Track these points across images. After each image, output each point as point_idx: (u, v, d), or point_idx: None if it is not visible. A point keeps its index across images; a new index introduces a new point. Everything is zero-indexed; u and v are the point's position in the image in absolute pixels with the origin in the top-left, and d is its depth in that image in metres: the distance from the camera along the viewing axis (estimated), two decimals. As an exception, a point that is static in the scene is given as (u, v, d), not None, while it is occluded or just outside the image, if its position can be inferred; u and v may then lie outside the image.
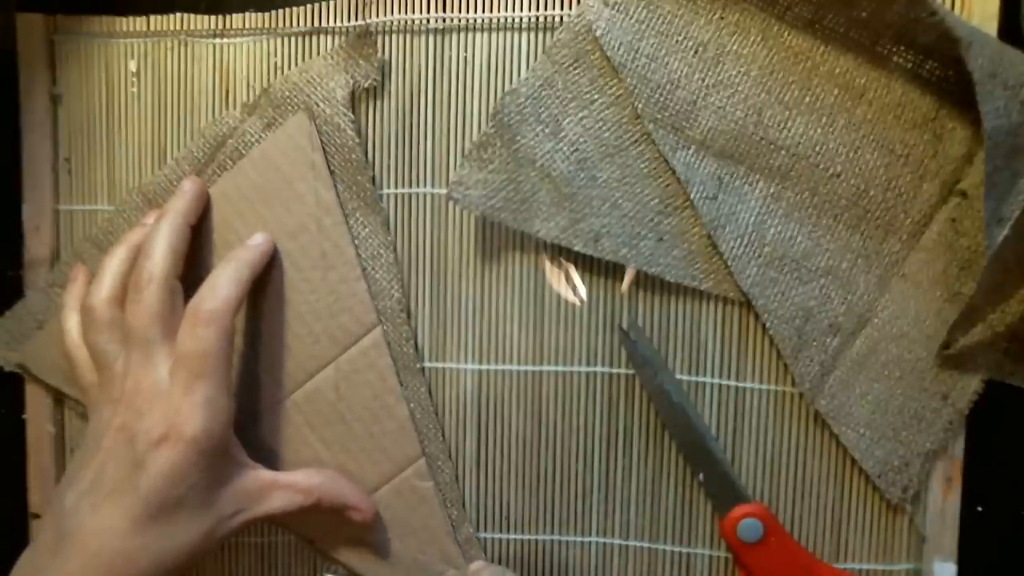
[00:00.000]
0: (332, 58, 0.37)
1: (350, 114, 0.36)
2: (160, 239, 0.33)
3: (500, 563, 0.38)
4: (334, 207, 0.37)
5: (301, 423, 0.37)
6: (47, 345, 0.38)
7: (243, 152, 0.37)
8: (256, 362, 0.37)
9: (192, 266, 0.36)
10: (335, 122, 0.36)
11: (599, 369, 0.37)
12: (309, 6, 0.38)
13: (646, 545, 0.37)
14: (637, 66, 0.35)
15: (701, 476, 0.36)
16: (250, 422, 0.37)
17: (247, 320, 0.37)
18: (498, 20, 0.37)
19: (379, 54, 0.37)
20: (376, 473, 0.37)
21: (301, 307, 0.37)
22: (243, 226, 0.37)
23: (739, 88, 0.35)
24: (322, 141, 0.37)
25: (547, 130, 0.36)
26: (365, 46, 0.36)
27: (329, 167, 0.37)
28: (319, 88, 0.37)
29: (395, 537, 0.37)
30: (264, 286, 0.37)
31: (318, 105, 0.37)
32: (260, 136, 0.37)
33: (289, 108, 0.37)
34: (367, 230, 0.37)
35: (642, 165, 0.36)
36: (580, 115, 0.36)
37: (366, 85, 0.37)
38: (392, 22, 0.37)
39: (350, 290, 0.37)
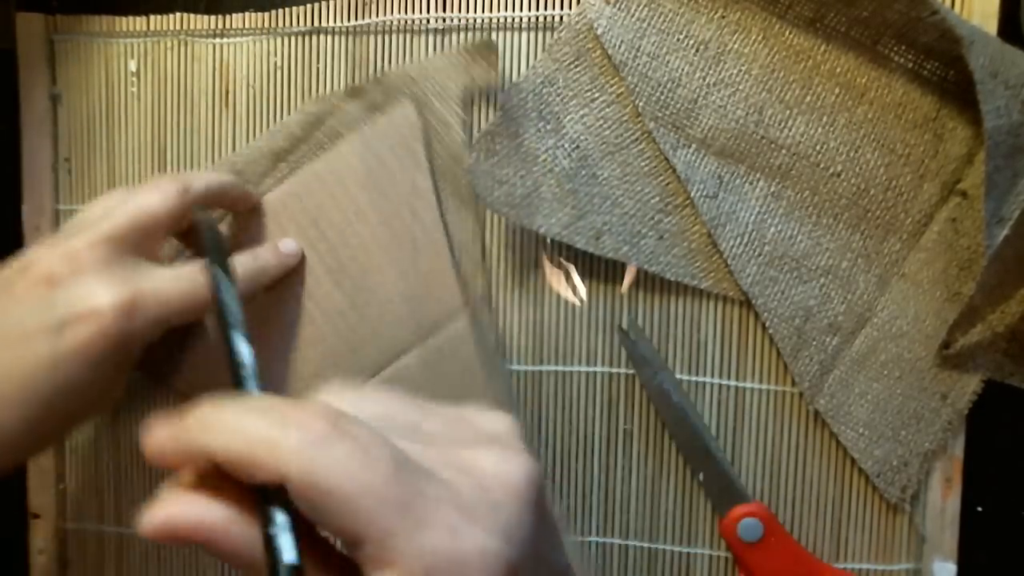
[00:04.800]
0: (454, 57, 0.37)
1: (461, 113, 0.37)
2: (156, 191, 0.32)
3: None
4: (430, 196, 0.37)
5: None
6: None
7: (342, 133, 0.37)
8: (341, 342, 0.37)
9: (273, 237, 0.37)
10: (445, 119, 0.37)
11: (599, 369, 0.37)
12: (309, 6, 0.38)
13: (646, 545, 0.37)
14: (638, 64, 0.35)
15: (701, 476, 0.36)
16: None
17: (333, 300, 0.37)
18: (498, 20, 0.37)
19: (498, 63, 0.37)
20: None
21: (389, 293, 0.37)
22: (334, 207, 0.37)
23: (740, 87, 0.35)
24: (428, 135, 0.37)
25: (549, 127, 0.36)
26: (490, 51, 0.36)
27: (431, 160, 0.37)
28: (435, 83, 0.37)
29: None
30: (353, 267, 0.37)
31: (431, 100, 0.37)
32: (363, 120, 0.37)
33: (399, 97, 0.37)
34: (459, 223, 0.37)
35: (643, 163, 0.36)
36: (581, 113, 0.36)
37: (483, 87, 0.37)
38: (392, 22, 0.37)
39: (439, 279, 0.37)
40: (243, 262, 0.34)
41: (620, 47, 0.35)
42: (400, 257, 0.37)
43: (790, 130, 0.35)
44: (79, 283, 0.29)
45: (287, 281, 0.37)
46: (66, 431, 0.30)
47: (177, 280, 0.31)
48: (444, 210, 0.37)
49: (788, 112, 0.35)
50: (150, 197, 0.32)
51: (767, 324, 0.35)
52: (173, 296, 0.30)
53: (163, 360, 0.37)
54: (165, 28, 0.39)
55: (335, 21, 0.38)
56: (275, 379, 0.37)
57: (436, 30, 0.37)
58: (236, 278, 0.28)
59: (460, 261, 0.37)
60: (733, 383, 0.37)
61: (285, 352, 0.37)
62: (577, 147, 0.36)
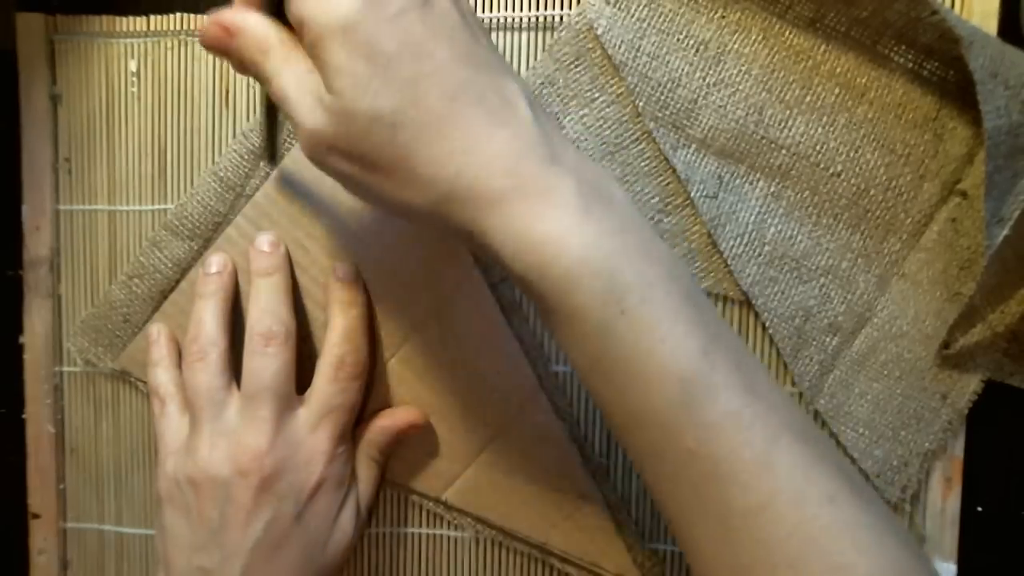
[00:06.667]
0: None
1: None
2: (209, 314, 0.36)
3: (500, 561, 0.38)
4: None
5: (412, 378, 0.37)
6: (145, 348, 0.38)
7: None
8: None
9: (298, 226, 0.37)
10: None
11: (599, 369, 0.37)
12: (309, 6, 0.38)
13: (646, 545, 0.37)
14: (638, 64, 0.35)
15: (701, 476, 0.36)
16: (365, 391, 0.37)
17: None
18: (498, 20, 0.37)
19: None
20: (497, 415, 0.36)
21: (396, 263, 0.36)
22: (323, 191, 0.36)
23: (740, 87, 0.35)
24: None
25: (547, 129, 0.35)
26: None
27: None
28: None
29: (528, 481, 0.37)
30: (355, 245, 0.37)
31: None
32: None
33: None
34: None
35: (643, 163, 0.36)
36: (581, 113, 0.36)
37: None
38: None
39: (444, 245, 0.36)
40: (354, 317, 0.36)
41: (620, 47, 0.35)
42: (400, 226, 0.36)
43: (790, 130, 0.35)
44: (291, 470, 0.33)
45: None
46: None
47: (331, 391, 0.35)
48: None
49: (788, 112, 0.35)
50: (272, 363, 0.34)
51: (767, 324, 0.35)
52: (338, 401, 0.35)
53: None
54: (165, 28, 0.39)
55: (335, 21, 0.37)
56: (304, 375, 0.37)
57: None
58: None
59: None
60: (733, 383, 0.37)
61: (312, 340, 0.37)
62: (577, 147, 0.36)
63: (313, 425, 0.34)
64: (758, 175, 0.35)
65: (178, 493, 0.34)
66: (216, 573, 0.32)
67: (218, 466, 0.33)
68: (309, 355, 0.37)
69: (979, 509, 0.36)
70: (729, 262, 0.35)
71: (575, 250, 0.24)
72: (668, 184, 0.36)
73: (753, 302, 0.35)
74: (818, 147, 0.35)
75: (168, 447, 0.35)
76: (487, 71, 0.25)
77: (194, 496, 0.33)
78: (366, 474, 0.36)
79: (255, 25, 0.27)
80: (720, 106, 0.35)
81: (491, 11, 0.37)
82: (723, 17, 0.35)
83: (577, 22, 0.35)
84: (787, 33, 0.35)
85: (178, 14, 0.38)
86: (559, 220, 0.24)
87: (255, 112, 0.38)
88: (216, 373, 0.34)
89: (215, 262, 0.36)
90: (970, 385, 0.35)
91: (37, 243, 0.39)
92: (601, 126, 0.36)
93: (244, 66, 0.28)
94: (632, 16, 0.35)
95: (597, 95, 0.36)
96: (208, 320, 0.35)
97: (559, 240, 0.24)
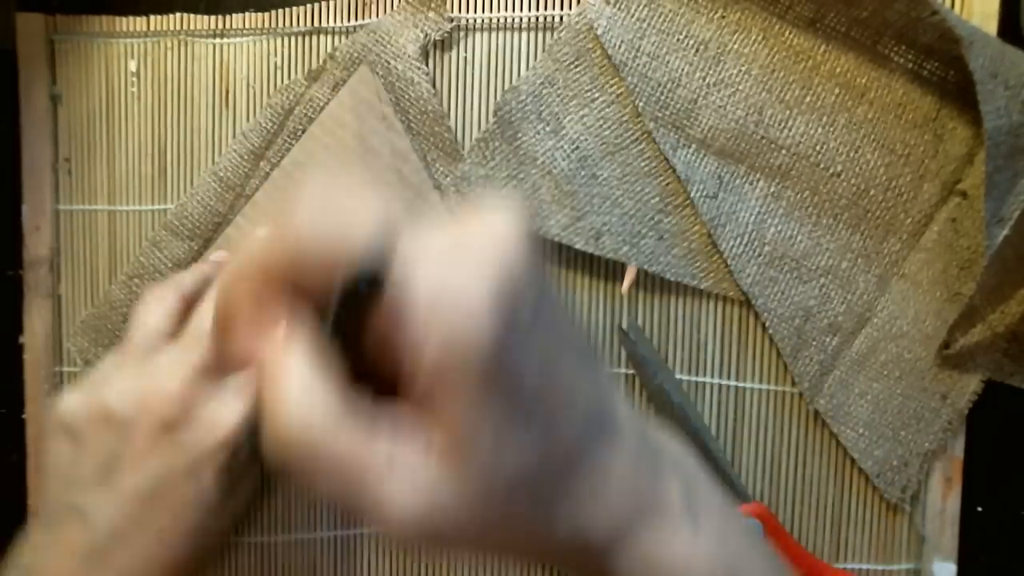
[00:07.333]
0: (400, 15, 0.37)
1: (423, 67, 0.36)
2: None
3: (500, 561, 0.38)
4: (411, 155, 0.36)
5: None
6: None
7: (313, 118, 0.37)
8: None
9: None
10: (408, 76, 0.36)
11: (599, 369, 0.37)
12: (309, 6, 0.38)
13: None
14: (638, 64, 0.35)
15: (701, 476, 0.36)
16: None
17: None
18: (498, 20, 0.37)
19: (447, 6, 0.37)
20: None
21: None
22: None
23: (740, 87, 0.35)
24: (396, 96, 0.37)
25: (548, 128, 0.36)
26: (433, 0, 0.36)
27: (408, 121, 0.37)
28: (389, 46, 0.37)
29: None
30: None
31: (389, 62, 0.37)
32: (328, 99, 0.37)
33: (358, 67, 0.37)
34: (449, 178, 0.37)
35: (643, 163, 0.36)
36: (581, 113, 0.36)
37: (437, 37, 0.37)
38: (392, 22, 0.37)
39: None
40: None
41: (620, 47, 0.35)
42: None
43: (790, 130, 0.35)
44: (198, 422, 0.30)
45: None
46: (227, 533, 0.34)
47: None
48: (431, 167, 0.37)
49: (788, 112, 0.35)
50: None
51: (767, 324, 0.35)
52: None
53: None
54: (165, 28, 0.39)
55: (335, 21, 0.38)
56: None
57: (436, 30, 0.37)
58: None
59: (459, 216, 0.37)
60: (733, 383, 0.37)
61: None
62: (577, 147, 0.36)
63: (237, 389, 0.31)
64: (758, 175, 0.35)
65: (74, 425, 0.31)
66: (90, 515, 0.30)
67: (125, 401, 0.30)
68: None
69: (979, 509, 0.36)
70: (729, 262, 0.35)
71: (702, 565, 0.22)
72: (668, 184, 0.36)
73: (753, 302, 0.35)
74: (818, 147, 0.35)
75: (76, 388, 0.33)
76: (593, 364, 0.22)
77: (91, 429, 0.31)
78: None
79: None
80: (720, 106, 0.35)
81: (491, 11, 0.37)
82: (723, 17, 0.35)
83: (577, 22, 0.35)
84: (787, 33, 0.35)
85: (178, 14, 0.38)
86: (681, 540, 0.22)
87: (255, 113, 0.38)
88: (165, 316, 0.32)
89: (217, 255, 0.37)
90: (970, 385, 0.35)
91: (37, 243, 0.39)
92: (601, 126, 0.36)
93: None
94: (632, 16, 0.35)
95: (597, 95, 0.36)
96: (188, 276, 0.34)
97: (686, 561, 0.22)
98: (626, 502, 0.21)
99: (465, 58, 0.37)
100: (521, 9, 0.37)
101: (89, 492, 0.30)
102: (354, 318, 0.18)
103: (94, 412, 0.31)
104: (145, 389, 0.31)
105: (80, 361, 0.40)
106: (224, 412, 0.30)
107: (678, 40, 0.35)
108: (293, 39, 0.38)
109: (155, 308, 0.33)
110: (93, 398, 0.31)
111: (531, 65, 0.36)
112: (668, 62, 0.35)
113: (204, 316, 0.32)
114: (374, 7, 0.37)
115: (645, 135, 0.36)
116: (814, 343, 0.35)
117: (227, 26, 0.38)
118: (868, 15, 0.33)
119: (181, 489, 0.30)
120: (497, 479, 0.18)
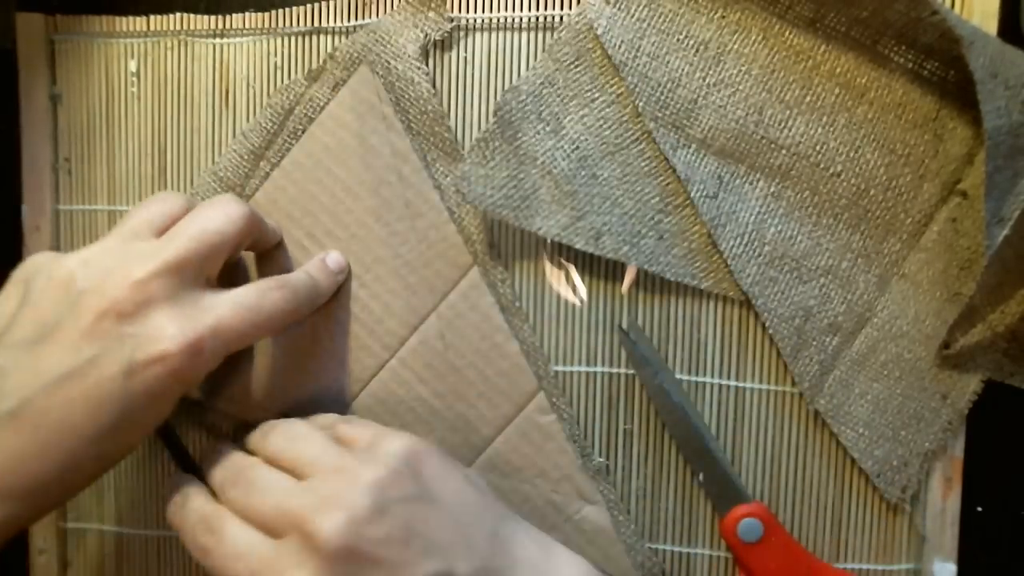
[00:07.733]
0: (400, 15, 0.37)
1: (423, 67, 0.36)
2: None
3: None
4: (411, 155, 0.36)
5: (412, 379, 0.37)
6: None
7: (313, 118, 0.37)
8: (358, 325, 0.37)
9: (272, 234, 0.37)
10: (408, 76, 0.36)
11: (599, 369, 0.37)
12: (309, 6, 0.38)
13: (646, 545, 0.37)
14: (638, 64, 0.35)
15: (701, 476, 0.36)
16: (361, 389, 0.37)
17: (344, 287, 0.37)
18: (498, 20, 0.37)
19: (447, 6, 0.37)
20: (496, 416, 0.37)
21: (394, 262, 0.37)
22: (321, 191, 0.37)
23: (740, 87, 0.35)
24: (397, 96, 0.37)
25: (548, 128, 0.36)
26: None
27: (408, 121, 0.37)
28: (389, 46, 0.37)
29: (526, 481, 0.37)
30: (354, 246, 0.37)
31: (389, 62, 0.37)
32: (328, 99, 0.37)
33: (358, 67, 0.37)
34: (449, 179, 0.37)
35: (643, 163, 0.36)
36: (581, 113, 0.36)
37: (437, 37, 0.36)
38: (392, 22, 0.37)
39: (440, 235, 0.36)
40: (301, 280, 0.34)
41: (620, 47, 0.35)
42: (397, 225, 0.37)
43: (790, 130, 0.35)
44: (148, 321, 0.29)
45: None
46: (119, 457, 0.31)
47: (237, 308, 0.31)
48: (431, 167, 0.37)
49: (788, 112, 0.35)
50: (215, 219, 0.32)
51: (767, 324, 0.35)
52: (235, 327, 0.31)
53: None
54: (165, 28, 0.39)
55: (335, 21, 0.38)
56: (304, 375, 0.37)
57: (436, 30, 0.37)
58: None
59: (459, 217, 0.37)
60: (733, 383, 0.37)
61: (307, 345, 0.37)
62: (577, 147, 0.36)
63: (206, 308, 0.30)
64: (758, 175, 0.35)
65: (31, 281, 0.30)
66: (6, 376, 0.28)
67: (89, 274, 0.29)
68: (324, 346, 0.37)
69: (979, 509, 0.36)
70: (729, 262, 0.35)
71: None
72: (668, 184, 0.36)
73: (753, 302, 0.35)
74: (818, 147, 0.35)
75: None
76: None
77: (46, 288, 0.30)
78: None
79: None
80: (720, 106, 0.35)
81: (491, 11, 0.37)
82: (723, 17, 0.35)
83: (577, 22, 0.35)
84: (787, 33, 0.35)
85: (178, 14, 0.38)
86: None
87: (255, 113, 0.38)
88: (162, 214, 0.32)
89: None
90: (970, 385, 0.35)
91: (37, 243, 0.39)
92: (601, 126, 0.36)
93: None
94: (632, 16, 0.35)
95: (597, 95, 0.36)
96: (196, 199, 0.35)
97: None
98: None
99: (465, 58, 0.37)
100: (521, 9, 0.37)
101: (11, 351, 0.29)
102: None
103: (56, 274, 0.30)
104: (112, 268, 0.30)
105: None
106: (170, 329, 0.29)
107: (678, 40, 0.35)
108: (293, 39, 0.38)
109: (156, 203, 0.32)
110: (61, 261, 0.30)
111: (531, 65, 0.36)
112: (668, 62, 0.35)
113: (194, 221, 0.31)
114: (374, 7, 0.37)
115: (645, 135, 0.36)
116: (814, 343, 0.35)
117: (227, 26, 0.38)
118: (868, 15, 0.33)
119: (106, 386, 0.28)
120: None
